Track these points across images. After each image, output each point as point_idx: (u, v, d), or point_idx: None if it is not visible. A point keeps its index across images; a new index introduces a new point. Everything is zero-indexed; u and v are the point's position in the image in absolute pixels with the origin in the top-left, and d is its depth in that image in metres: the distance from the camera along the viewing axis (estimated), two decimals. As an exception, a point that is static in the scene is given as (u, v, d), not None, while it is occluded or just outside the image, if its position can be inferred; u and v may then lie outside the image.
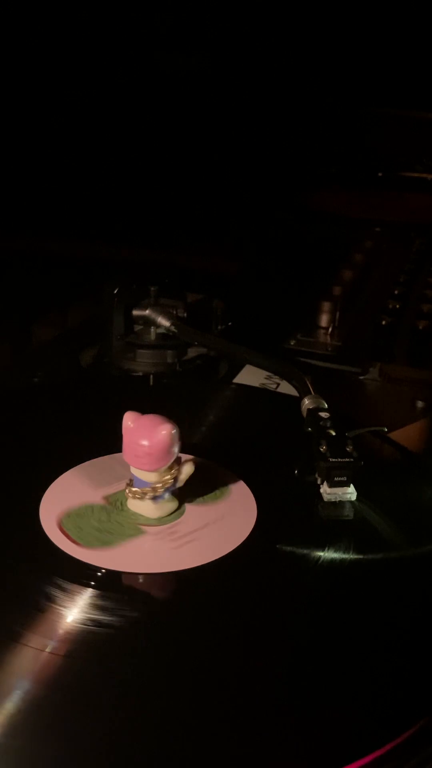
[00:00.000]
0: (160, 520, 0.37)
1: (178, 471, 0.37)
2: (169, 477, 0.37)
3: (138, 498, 0.37)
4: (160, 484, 0.37)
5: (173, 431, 0.36)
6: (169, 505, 0.38)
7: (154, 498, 0.37)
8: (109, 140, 1.17)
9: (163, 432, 0.36)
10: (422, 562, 0.37)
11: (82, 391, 0.55)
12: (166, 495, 0.37)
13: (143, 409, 0.37)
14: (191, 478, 0.38)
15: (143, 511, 0.38)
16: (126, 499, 0.38)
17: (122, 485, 0.39)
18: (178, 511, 0.38)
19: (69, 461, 0.42)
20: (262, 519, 0.38)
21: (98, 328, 0.63)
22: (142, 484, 0.37)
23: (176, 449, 0.36)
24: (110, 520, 0.37)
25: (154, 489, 0.37)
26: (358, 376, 0.62)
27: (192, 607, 0.33)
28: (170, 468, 0.37)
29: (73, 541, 0.35)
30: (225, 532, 0.37)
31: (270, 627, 0.32)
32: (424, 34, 1.32)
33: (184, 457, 0.38)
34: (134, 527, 0.37)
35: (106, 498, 0.39)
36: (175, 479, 0.37)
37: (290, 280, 0.87)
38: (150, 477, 0.37)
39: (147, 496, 0.37)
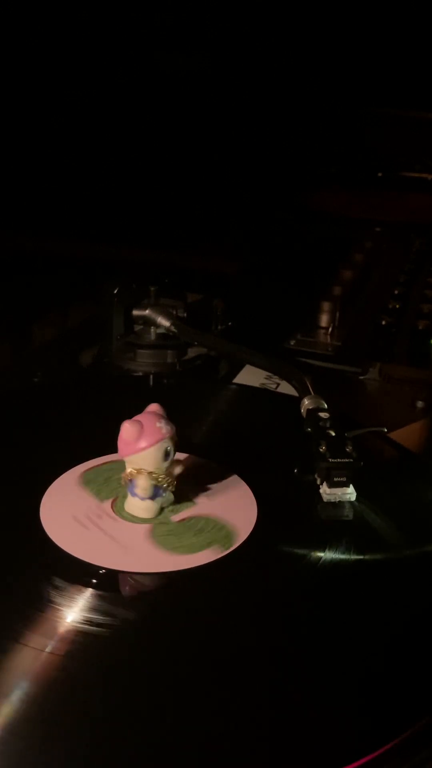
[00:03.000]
0: (160, 518, 0.37)
1: (172, 471, 0.37)
2: (165, 475, 0.37)
3: (138, 496, 0.37)
4: (162, 478, 0.37)
5: (159, 409, 0.37)
6: (168, 503, 0.38)
7: (154, 496, 0.37)
8: (109, 140, 1.17)
9: (150, 409, 0.37)
10: (422, 562, 0.37)
11: (82, 391, 0.55)
12: (165, 493, 0.37)
13: (143, 410, 0.37)
14: (192, 478, 0.38)
15: (140, 512, 0.38)
16: (124, 501, 0.38)
17: (120, 487, 0.39)
18: (178, 510, 0.38)
19: (69, 461, 0.42)
20: (262, 519, 0.38)
21: (98, 328, 0.63)
22: (141, 484, 0.37)
23: (163, 425, 0.36)
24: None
25: (157, 479, 0.37)
26: (358, 376, 0.62)
27: (191, 607, 0.33)
28: (166, 459, 0.37)
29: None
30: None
31: (269, 627, 0.32)
32: (423, 34, 1.32)
33: (179, 455, 0.38)
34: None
35: (107, 501, 0.39)
36: (171, 474, 0.37)
37: (290, 280, 0.87)
38: (147, 463, 0.36)
39: (147, 493, 0.37)
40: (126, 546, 0.35)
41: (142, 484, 0.37)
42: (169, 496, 0.38)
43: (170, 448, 0.37)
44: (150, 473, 0.36)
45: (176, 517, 0.38)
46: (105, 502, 0.39)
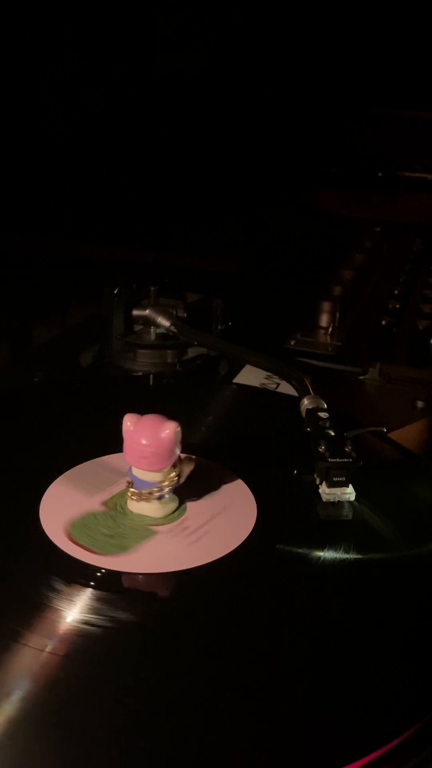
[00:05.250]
0: (166, 519, 0.37)
1: (180, 468, 0.38)
2: (174, 474, 0.37)
3: (144, 499, 0.37)
4: (167, 482, 0.37)
5: (177, 429, 0.36)
6: (173, 503, 0.38)
7: (160, 497, 0.37)
8: (109, 140, 1.17)
9: (167, 431, 0.36)
10: (422, 562, 0.37)
11: (82, 391, 0.55)
12: (169, 494, 0.38)
13: (143, 409, 0.37)
14: (191, 478, 0.38)
15: (148, 511, 0.38)
16: (125, 502, 0.38)
17: (114, 489, 0.38)
18: (179, 511, 0.38)
19: (69, 461, 0.42)
20: (262, 519, 0.38)
21: (98, 328, 0.63)
22: (144, 484, 0.37)
23: (179, 446, 0.36)
24: (118, 525, 0.37)
25: (161, 488, 0.37)
26: (358, 376, 0.62)
27: (192, 607, 0.33)
28: (174, 465, 0.37)
29: (88, 550, 0.35)
30: (225, 532, 0.37)
31: (269, 627, 0.32)
32: (423, 34, 1.32)
33: (182, 455, 0.38)
34: (145, 529, 0.37)
35: (104, 503, 0.39)
36: (179, 476, 0.37)
37: (290, 280, 0.87)
38: (155, 477, 0.37)
39: (153, 496, 0.37)
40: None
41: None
42: (173, 495, 0.38)
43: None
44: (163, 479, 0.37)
45: (178, 517, 0.38)
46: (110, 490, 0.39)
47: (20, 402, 0.51)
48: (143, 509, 0.38)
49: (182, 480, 0.38)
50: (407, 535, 0.39)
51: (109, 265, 0.90)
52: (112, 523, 0.37)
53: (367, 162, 1.44)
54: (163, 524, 0.37)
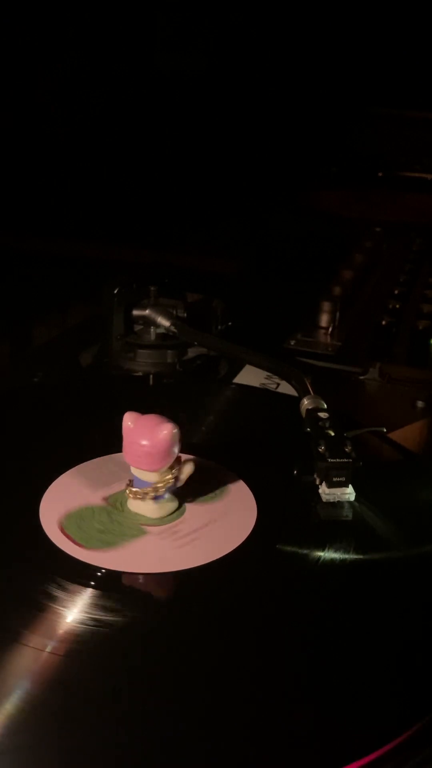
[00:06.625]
0: (161, 520, 0.37)
1: (179, 470, 0.37)
2: (170, 476, 0.37)
3: (139, 498, 0.37)
4: (161, 484, 0.37)
5: (174, 431, 0.36)
6: (170, 504, 0.38)
7: (155, 498, 0.37)
8: (109, 140, 1.17)
9: (164, 432, 0.36)
10: (421, 562, 0.37)
11: (82, 391, 0.55)
12: (167, 495, 0.38)
13: (143, 409, 0.37)
14: (191, 478, 0.38)
15: (144, 511, 0.38)
16: (126, 500, 0.38)
17: (121, 486, 0.39)
18: (179, 511, 0.38)
19: (69, 461, 0.42)
20: (262, 519, 0.38)
21: (98, 328, 0.63)
22: (143, 484, 0.37)
23: (177, 449, 0.36)
24: (112, 521, 0.37)
25: (156, 489, 0.37)
26: (358, 376, 0.62)
27: (192, 607, 0.33)
28: (171, 467, 0.37)
29: (75, 543, 0.35)
30: (225, 532, 0.37)
31: (269, 627, 0.32)
32: (423, 34, 1.32)
33: (184, 456, 0.38)
34: (136, 528, 0.37)
35: (106, 499, 0.39)
36: (176, 479, 0.37)
37: (290, 280, 0.87)
38: (151, 477, 0.37)
39: (148, 496, 0.37)
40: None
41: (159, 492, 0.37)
42: (171, 497, 0.38)
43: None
44: (162, 480, 0.37)
45: (177, 517, 0.38)
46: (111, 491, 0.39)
47: (20, 402, 0.51)
48: (140, 508, 0.38)
49: (180, 483, 0.38)
50: (407, 535, 0.39)
51: (109, 265, 0.90)
52: (106, 519, 0.37)
53: (367, 162, 1.44)
54: (157, 525, 0.37)
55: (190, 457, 0.40)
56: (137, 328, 0.62)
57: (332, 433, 0.41)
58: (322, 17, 1.35)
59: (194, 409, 0.49)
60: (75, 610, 0.31)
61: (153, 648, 0.30)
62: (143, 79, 1.22)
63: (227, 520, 0.38)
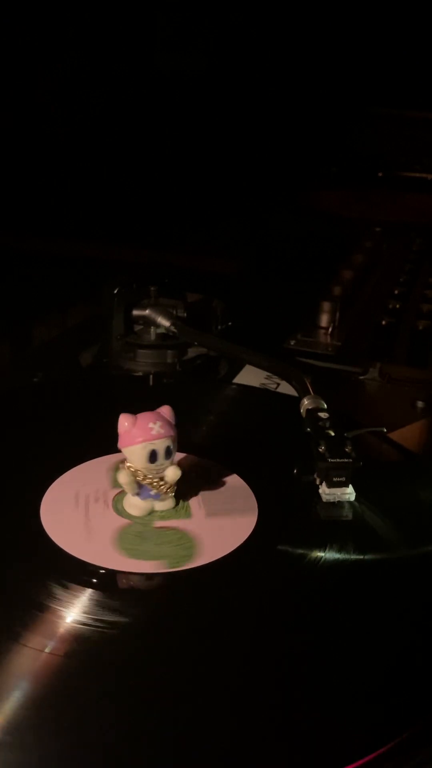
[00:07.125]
0: (162, 520, 0.37)
1: (175, 475, 0.37)
2: (157, 466, 0.37)
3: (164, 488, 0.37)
4: (150, 477, 0.37)
5: (166, 412, 0.37)
6: (170, 502, 0.38)
7: (142, 494, 0.37)
8: (109, 140, 1.17)
9: (163, 408, 0.37)
10: (421, 563, 0.37)
11: (82, 391, 0.55)
12: (155, 494, 0.38)
13: (143, 410, 0.37)
14: (191, 478, 0.38)
15: (130, 508, 0.38)
16: (121, 503, 0.38)
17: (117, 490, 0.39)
18: (179, 511, 0.38)
19: (69, 461, 0.42)
20: (262, 519, 0.38)
21: (98, 328, 0.63)
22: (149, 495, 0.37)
23: (158, 432, 0.36)
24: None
25: (143, 478, 0.37)
26: (358, 376, 0.62)
27: (192, 607, 0.33)
28: (161, 466, 0.37)
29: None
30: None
31: (270, 627, 0.32)
32: (423, 34, 1.33)
33: (178, 455, 0.38)
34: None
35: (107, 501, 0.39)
36: (168, 483, 0.37)
37: (290, 280, 0.87)
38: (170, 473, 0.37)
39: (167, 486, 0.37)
40: (91, 535, 0.36)
41: (123, 479, 0.37)
42: (165, 499, 0.38)
43: (160, 451, 0.36)
44: (132, 469, 0.37)
45: (160, 523, 0.37)
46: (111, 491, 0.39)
47: (20, 402, 0.51)
48: (126, 505, 0.38)
49: (164, 490, 0.38)
50: (407, 535, 0.39)
51: (109, 265, 0.90)
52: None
53: (367, 162, 1.44)
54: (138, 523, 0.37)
55: (184, 455, 0.39)
56: (137, 328, 0.62)
57: (332, 433, 0.41)
58: (322, 17, 1.35)
59: (194, 409, 0.49)
60: (75, 611, 0.31)
61: (153, 648, 0.30)
62: (143, 79, 1.22)
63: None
